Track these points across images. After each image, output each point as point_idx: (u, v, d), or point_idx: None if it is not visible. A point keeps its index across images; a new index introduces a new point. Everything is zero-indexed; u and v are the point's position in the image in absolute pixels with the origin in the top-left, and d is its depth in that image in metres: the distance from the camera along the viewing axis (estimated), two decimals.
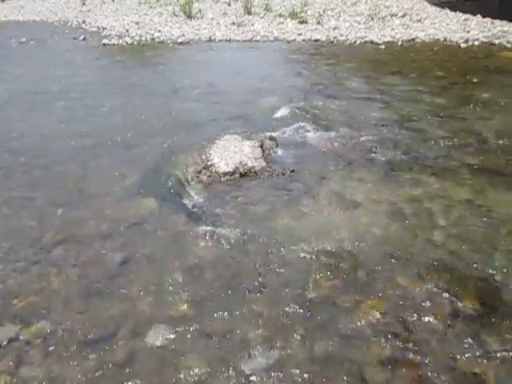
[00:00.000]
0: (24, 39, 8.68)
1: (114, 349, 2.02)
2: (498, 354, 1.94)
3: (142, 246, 2.70)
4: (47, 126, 4.54)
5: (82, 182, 3.43)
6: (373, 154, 3.77)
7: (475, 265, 2.46)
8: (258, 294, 2.30)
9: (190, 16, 10.46)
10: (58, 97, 5.45)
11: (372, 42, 8.14)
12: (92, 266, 2.53)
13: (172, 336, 2.08)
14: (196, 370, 1.91)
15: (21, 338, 2.09)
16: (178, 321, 2.16)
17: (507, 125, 4.30)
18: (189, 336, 2.08)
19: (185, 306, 2.25)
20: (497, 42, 7.78)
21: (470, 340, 2.01)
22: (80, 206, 3.12)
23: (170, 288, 2.36)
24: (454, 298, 2.24)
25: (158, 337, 2.07)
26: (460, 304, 2.21)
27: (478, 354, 1.95)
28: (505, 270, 2.41)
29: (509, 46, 7.57)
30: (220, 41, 8.57)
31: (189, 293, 2.33)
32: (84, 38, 8.80)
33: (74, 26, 10.38)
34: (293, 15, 10.13)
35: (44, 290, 2.37)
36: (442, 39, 8.16)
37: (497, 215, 2.88)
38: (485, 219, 2.85)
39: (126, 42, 8.48)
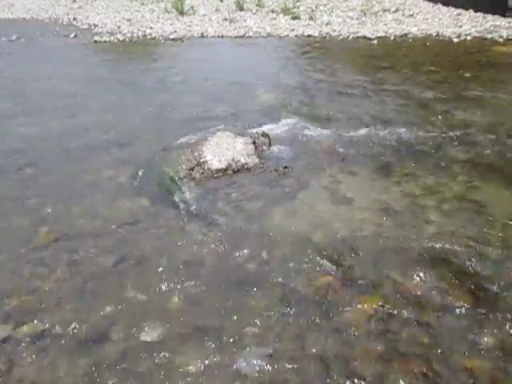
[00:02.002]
0: (14, 37, 8.58)
1: (108, 348, 2.01)
2: (491, 348, 1.95)
3: (135, 244, 2.69)
4: (37, 124, 4.49)
5: (74, 181, 3.40)
6: (365, 150, 3.77)
7: (468, 259, 2.47)
8: (253, 291, 2.30)
9: (181, 12, 10.39)
10: (48, 95, 5.40)
11: (365, 38, 8.12)
12: (84, 265, 2.52)
13: (166, 334, 2.07)
14: (191, 367, 1.90)
15: (13, 338, 2.07)
16: (172, 318, 2.15)
17: (500, 120, 4.31)
18: (183, 333, 2.07)
19: (178, 304, 2.24)
20: (489, 36, 7.80)
21: (462, 334, 2.02)
22: (72, 204, 3.10)
23: (164, 286, 2.35)
24: (447, 293, 2.25)
25: (151, 335, 2.06)
26: (453, 298, 2.22)
27: (470, 348, 1.96)
28: (497, 265, 2.43)
29: (501, 40, 7.59)
30: (212, 37, 8.52)
31: (182, 290, 2.32)
32: (75, 36, 8.71)
33: (64, 23, 10.27)
34: (285, 11, 10.09)
35: (36, 290, 2.35)
36: (434, 34, 8.16)
37: (489, 210, 2.89)
38: (477, 214, 2.86)
39: (118, 39, 8.40)
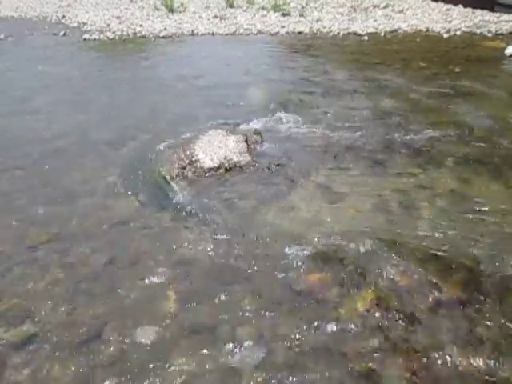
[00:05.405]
0: (2, 36, 8.48)
1: (102, 349, 2.00)
2: (485, 341, 1.97)
3: (128, 244, 2.67)
4: (28, 124, 4.45)
5: (66, 181, 3.37)
6: (358, 147, 3.78)
7: (460, 254, 2.48)
8: (247, 289, 2.30)
9: (171, 10, 10.33)
10: (38, 93, 5.35)
11: (355, 34, 8.14)
12: (77, 266, 2.50)
13: (160, 334, 2.06)
14: (185, 368, 1.90)
15: (5, 340, 2.06)
16: (166, 318, 2.14)
17: (490, 114, 4.34)
18: (177, 333, 2.06)
19: (172, 303, 2.23)
20: (478, 31, 7.85)
21: (456, 328, 2.04)
22: (63, 205, 3.07)
23: (157, 286, 2.34)
24: (441, 287, 2.26)
25: (145, 335, 2.06)
26: (446, 293, 2.23)
27: (464, 341, 1.97)
28: (489, 259, 2.45)
29: (490, 35, 7.64)
30: (203, 34, 8.48)
31: (176, 290, 2.31)
32: (64, 34, 8.62)
33: (53, 21, 10.17)
34: (276, 8, 10.07)
35: (28, 292, 2.33)
36: (424, 30, 8.20)
37: (481, 204, 2.91)
38: (469, 209, 2.87)
39: (108, 37, 8.34)
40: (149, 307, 2.22)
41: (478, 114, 4.34)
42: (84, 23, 9.57)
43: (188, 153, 3.56)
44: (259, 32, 8.56)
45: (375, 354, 1.93)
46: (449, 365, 1.88)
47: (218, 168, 3.42)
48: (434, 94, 4.97)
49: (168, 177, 3.34)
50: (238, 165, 3.46)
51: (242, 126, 4.18)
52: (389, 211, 2.89)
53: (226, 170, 3.42)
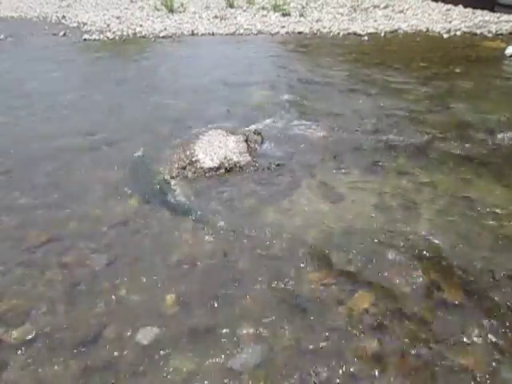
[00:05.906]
0: (2, 36, 8.49)
1: (101, 350, 1.99)
2: (483, 343, 1.96)
3: (128, 245, 2.67)
4: (27, 125, 4.45)
5: (65, 182, 3.37)
6: (358, 146, 3.77)
7: (460, 255, 2.48)
8: (248, 290, 2.29)
9: (171, 10, 10.34)
10: (38, 94, 5.35)
11: (355, 34, 8.15)
12: (77, 267, 2.49)
13: (160, 335, 2.06)
14: (185, 369, 1.89)
15: (4, 341, 2.05)
16: (167, 319, 2.14)
17: (490, 114, 4.34)
18: (178, 334, 2.06)
19: (173, 304, 2.23)
20: (478, 31, 7.86)
21: (455, 330, 2.03)
22: (63, 206, 3.07)
23: (157, 286, 2.34)
24: (440, 289, 2.26)
25: (146, 337, 2.05)
26: (445, 294, 2.23)
27: (463, 343, 1.97)
28: (489, 260, 2.44)
29: (490, 35, 7.65)
30: (203, 35, 8.49)
31: (176, 290, 2.31)
32: (64, 34, 8.63)
33: (53, 21, 10.18)
34: (276, 8, 10.08)
35: (28, 293, 2.32)
36: (424, 30, 8.21)
37: (481, 205, 2.91)
38: (469, 209, 2.87)
39: (108, 38, 8.34)
40: (149, 308, 2.21)
41: (479, 114, 4.34)
42: (84, 23, 9.58)
43: (188, 153, 3.56)
44: (259, 32, 8.56)
45: (375, 354, 1.92)
46: (448, 364, 1.87)
47: (218, 168, 3.42)
48: (434, 94, 4.97)
49: (168, 177, 3.33)
50: (238, 165, 3.46)
51: (242, 126, 4.17)
52: (389, 211, 2.88)
53: (226, 170, 3.42)
